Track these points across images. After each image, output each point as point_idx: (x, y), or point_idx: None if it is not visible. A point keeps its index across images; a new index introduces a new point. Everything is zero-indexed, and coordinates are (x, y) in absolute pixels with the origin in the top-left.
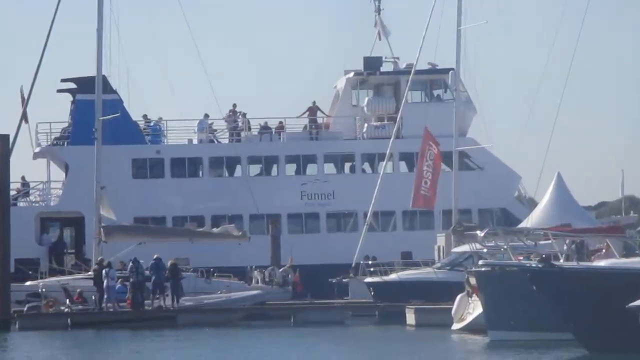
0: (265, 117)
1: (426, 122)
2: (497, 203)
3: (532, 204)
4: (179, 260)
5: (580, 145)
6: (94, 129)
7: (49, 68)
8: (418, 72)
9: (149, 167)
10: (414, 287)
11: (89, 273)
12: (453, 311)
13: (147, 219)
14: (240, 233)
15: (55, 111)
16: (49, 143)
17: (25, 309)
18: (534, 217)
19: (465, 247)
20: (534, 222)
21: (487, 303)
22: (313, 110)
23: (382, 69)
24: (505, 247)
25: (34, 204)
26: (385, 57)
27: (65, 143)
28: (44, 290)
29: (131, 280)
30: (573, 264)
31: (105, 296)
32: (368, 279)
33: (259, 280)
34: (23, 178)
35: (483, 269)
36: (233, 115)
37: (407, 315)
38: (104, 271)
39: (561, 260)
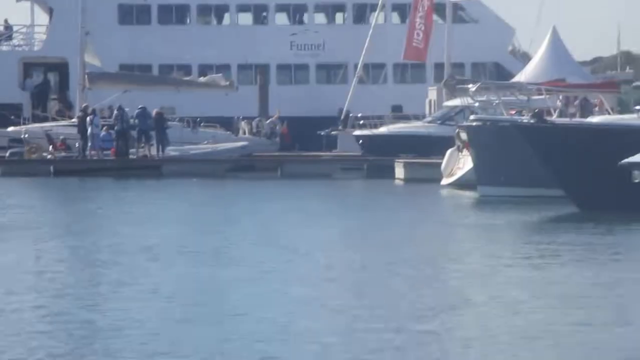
0: None
1: None
2: (490, 57)
3: (526, 58)
4: (164, 109)
5: None
6: None
7: None
8: None
9: (135, 13)
10: (403, 140)
11: (73, 120)
12: (443, 166)
13: (133, 66)
14: (227, 83)
15: None
16: None
17: (7, 154)
18: (528, 71)
19: (456, 101)
20: (528, 77)
21: (478, 158)
22: None
23: None
24: (497, 101)
25: (16, 48)
26: None
27: None
28: (26, 136)
29: (116, 128)
30: (566, 120)
31: (89, 144)
32: (357, 132)
33: (246, 132)
34: (6, 21)
35: (474, 124)
36: None
37: (396, 169)
38: (88, 118)
39: (554, 117)
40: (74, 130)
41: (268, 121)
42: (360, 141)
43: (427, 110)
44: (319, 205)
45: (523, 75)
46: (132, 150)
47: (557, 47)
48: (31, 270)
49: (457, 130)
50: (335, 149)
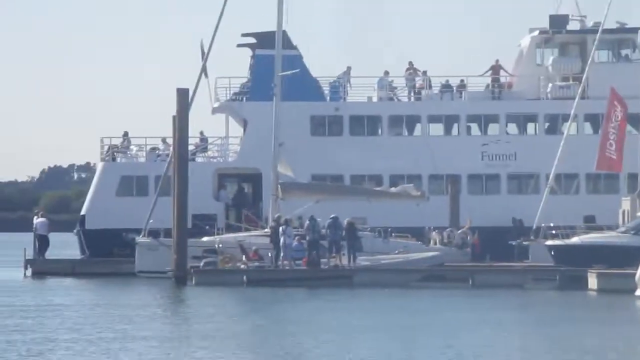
0: (446, 75)
1: (613, 83)
2: None
3: None
4: (356, 219)
5: None
6: (273, 85)
7: (229, 22)
8: (605, 31)
9: (327, 125)
10: (596, 251)
11: (266, 230)
12: (637, 276)
13: (324, 177)
14: (419, 193)
15: (234, 66)
16: (228, 98)
17: (201, 264)
18: None
19: None
20: None
21: None
22: (496, 68)
23: (568, 28)
24: None
25: (212, 160)
26: (572, 15)
27: (244, 98)
28: (220, 246)
29: (308, 238)
30: None
31: (282, 254)
32: (549, 242)
33: (437, 242)
34: (202, 133)
35: None
36: (413, 73)
37: (589, 280)
38: (280, 228)
39: None
40: (267, 240)
41: (459, 231)
42: (553, 252)
43: (620, 221)
44: (511, 319)
45: None
46: (323, 260)
47: None
48: None
49: None
50: (527, 259)
